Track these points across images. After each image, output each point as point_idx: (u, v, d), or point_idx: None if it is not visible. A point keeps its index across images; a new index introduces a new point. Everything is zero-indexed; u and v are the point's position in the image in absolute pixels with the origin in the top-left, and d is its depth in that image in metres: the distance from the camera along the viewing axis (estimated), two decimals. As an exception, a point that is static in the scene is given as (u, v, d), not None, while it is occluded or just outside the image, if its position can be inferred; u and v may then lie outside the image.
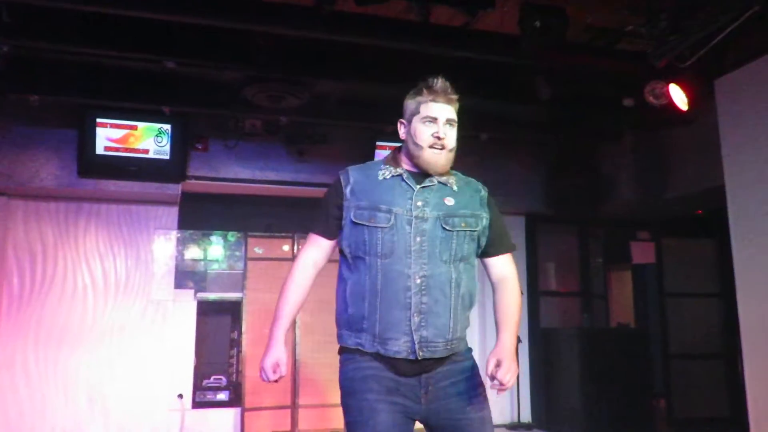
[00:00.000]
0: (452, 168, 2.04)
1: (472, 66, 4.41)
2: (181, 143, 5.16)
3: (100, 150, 4.97)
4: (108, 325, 5.29)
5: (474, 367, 1.99)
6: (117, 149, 5.03)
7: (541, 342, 6.13)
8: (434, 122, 1.95)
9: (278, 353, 1.93)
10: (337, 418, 1.94)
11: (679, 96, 4.32)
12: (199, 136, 5.38)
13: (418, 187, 1.96)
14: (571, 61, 4.29)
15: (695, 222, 6.63)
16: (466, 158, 5.59)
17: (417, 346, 1.86)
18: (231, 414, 5.47)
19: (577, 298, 6.70)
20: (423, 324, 1.86)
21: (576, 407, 5.63)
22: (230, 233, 5.92)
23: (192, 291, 5.66)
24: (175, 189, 5.33)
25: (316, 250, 2.02)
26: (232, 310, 5.86)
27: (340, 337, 1.97)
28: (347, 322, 1.93)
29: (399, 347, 1.86)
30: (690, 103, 4.36)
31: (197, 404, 5.45)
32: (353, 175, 2.00)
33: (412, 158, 1.99)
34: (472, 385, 1.94)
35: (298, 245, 5.60)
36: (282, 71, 4.45)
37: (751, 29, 3.64)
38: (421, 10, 3.69)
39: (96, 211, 5.42)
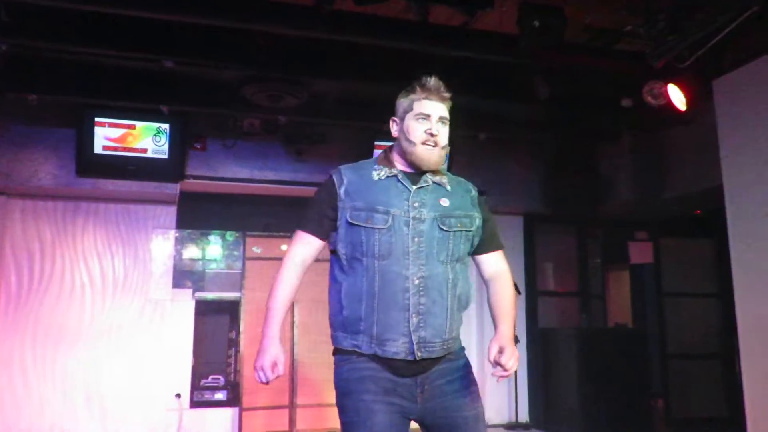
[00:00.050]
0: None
1: (471, 66, 4.42)
2: (179, 143, 5.16)
3: (98, 149, 4.97)
4: (106, 324, 5.29)
5: (467, 366, 2.01)
6: (115, 148, 5.02)
7: (539, 342, 6.14)
8: (427, 119, 1.96)
9: (275, 351, 1.90)
10: (335, 418, 1.93)
11: (677, 96, 4.32)
12: (198, 135, 5.38)
13: (414, 187, 1.96)
14: (570, 61, 4.30)
15: (693, 222, 6.63)
16: (465, 158, 5.66)
17: (415, 347, 1.86)
18: (229, 413, 5.46)
19: (575, 298, 6.70)
20: (421, 325, 1.87)
21: (574, 407, 5.64)
22: (228, 233, 5.91)
23: (190, 290, 5.65)
24: (173, 188, 5.32)
25: (306, 248, 2.00)
26: (230, 310, 5.86)
27: (335, 338, 1.96)
28: (343, 323, 1.92)
29: (397, 348, 1.86)
30: (688, 104, 4.36)
31: (195, 404, 5.45)
32: (347, 175, 1.98)
33: (404, 155, 1.99)
34: (466, 384, 1.96)
35: (296, 245, 5.59)
36: (281, 71, 4.45)
37: (750, 29, 3.65)
38: (419, 10, 3.69)
39: (94, 211, 5.42)
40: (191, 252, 5.88)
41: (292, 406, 5.50)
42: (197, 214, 5.81)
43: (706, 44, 3.71)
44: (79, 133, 4.98)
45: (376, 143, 5.36)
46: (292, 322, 5.50)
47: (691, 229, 6.68)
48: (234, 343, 5.78)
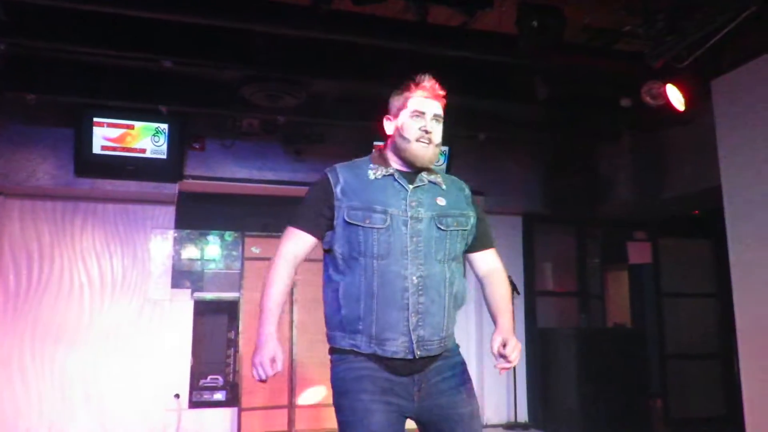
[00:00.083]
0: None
1: (470, 66, 4.42)
2: (178, 143, 5.16)
3: (97, 149, 4.97)
4: (104, 324, 5.29)
5: (463, 363, 2.02)
6: (114, 148, 5.02)
7: (538, 342, 6.14)
8: (422, 116, 1.97)
9: (273, 347, 1.86)
10: (334, 418, 1.93)
11: (676, 96, 4.32)
12: (197, 135, 5.38)
13: (411, 187, 1.97)
14: (569, 61, 4.30)
15: (692, 222, 6.64)
16: (464, 158, 5.66)
17: (415, 346, 1.87)
18: (228, 414, 5.46)
19: (574, 298, 6.70)
20: (420, 324, 1.87)
21: (573, 407, 5.64)
22: (227, 233, 5.91)
23: (189, 290, 5.65)
24: (172, 188, 5.32)
25: (299, 246, 1.98)
26: (229, 310, 5.85)
27: (332, 338, 1.96)
28: (340, 323, 1.91)
29: (397, 347, 1.86)
30: (687, 104, 4.36)
31: (194, 404, 5.45)
32: (342, 173, 1.98)
33: (399, 152, 2.00)
34: (462, 381, 1.97)
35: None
36: (280, 71, 4.44)
37: (748, 29, 3.65)
38: (418, 10, 3.69)
39: (93, 211, 5.41)
40: (190, 252, 5.87)
41: (291, 406, 5.50)
42: (196, 214, 5.80)
43: (705, 44, 3.71)
44: (77, 132, 4.97)
45: (375, 143, 5.35)
46: (291, 322, 5.51)
47: (690, 230, 6.68)
48: (233, 344, 5.78)
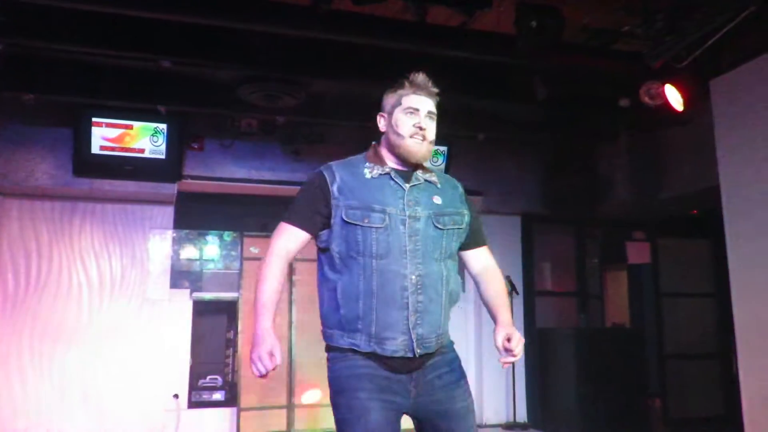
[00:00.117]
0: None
1: (469, 66, 4.42)
2: (176, 143, 5.15)
3: (95, 149, 4.96)
4: (103, 324, 5.28)
5: (458, 359, 2.03)
6: (113, 148, 5.01)
7: (537, 342, 6.14)
8: (416, 113, 1.98)
9: (271, 341, 1.83)
10: (332, 418, 1.93)
11: (674, 96, 4.33)
12: (195, 135, 5.37)
13: (408, 186, 1.97)
14: (568, 62, 4.30)
15: (691, 222, 6.65)
16: (463, 158, 5.66)
17: (415, 344, 1.87)
18: (227, 414, 5.46)
19: (573, 298, 6.70)
20: (419, 322, 1.88)
21: (572, 407, 5.64)
22: (226, 233, 5.91)
23: (188, 291, 5.65)
24: (170, 188, 5.32)
25: (292, 242, 1.97)
26: (228, 310, 5.85)
27: (330, 336, 1.95)
28: (339, 322, 1.91)
29: (396, 346, 1.87)
30: (686, 104, 4.37)
31: (193, 404, 5.44)
32: (338, 172, 1.98)
33: (393, 149, 2.00)
34: (457, 377, 1.98)
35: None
36: (279, 71, 4.44)
37: (747, 30, 3.65)
38: (418, 10, 3.69)
39: (91, 211, 5.40)
40: (189, 252, 5.88)
41: (290, 406, 5.50)
42: (195, 214, 5.81)
43: (704, 44, 3.71)
44: (76, 132, 4.97)
45: (375, 143, 5.35)
46: (290, 322, 5.50)
47: (689, 229, 6.69)
48: (232, 344, 5.78)
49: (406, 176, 1.99)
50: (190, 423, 5.34)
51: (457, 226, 2.01)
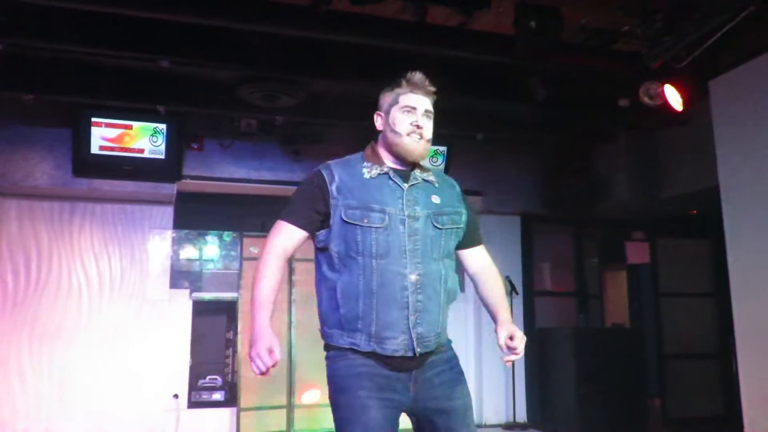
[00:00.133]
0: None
1: (468, 66, 4.42)
2: (176, 143, 5.15)
3: (95, 149, 4.96)
4: (103, 324, 5.28)
5: (455, 357, 2.04)
6: (112, 149, 5.01)
7: (537, 342, 6.14)
8: (413, 112, 1.98)
9: (269, 338, 1.83)
10: (332, 418, 1.93)
11: (673, 96, 4.33)
12: (195, 135, 5.37)
13: (407, 185, 1.97)
14: (567, 62, 4.29)
15: (690, 222, 6.65)
16: (462, 158, 5.66)
17: (415, 343, 1.88)
18: (226, 414, 5.45)
19: (573, 298, 6.71)
20: (418, 321, 1.89)
21: (571, 407, 5.64)
22: (226, 233, 5.91)
23: (187, 291, 5.65)
24: (170, 188, 5.32)
25: (289, 240, 1.97)
26: (228, 310, 5.85)
27: (329, 336, 1.95)
28: (339, 322, 1.91)
29: (397, 345, 1.87)
30: (685, 104, 4.37)
31: (193, 404, 5.44)
32: (336, 171, 1.98)
33: (390, 147, 2.00)
34: (455, 375, 1.99)
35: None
36: (278, 71, 4.44)
37: (747, 30, 3.65)
38: (417, 10, 3.70)
39: (90, 211, 5.40)
40: (188, 252, 5.88)
41: (289, 406, 5.49)
42: (194, 215, 5.81)
43: (703, 44, 3.72)
44: (75, 133, 4.97)
45: (372, 142, 5.35)
46: (289, 322, 5.50)
47: (688, 229, 6.70)
48: (231, 344, 5.78)
49: (405, 176, 2.00)
50: (189, 423, 5.34)
51: (455, 226, 2.02)
